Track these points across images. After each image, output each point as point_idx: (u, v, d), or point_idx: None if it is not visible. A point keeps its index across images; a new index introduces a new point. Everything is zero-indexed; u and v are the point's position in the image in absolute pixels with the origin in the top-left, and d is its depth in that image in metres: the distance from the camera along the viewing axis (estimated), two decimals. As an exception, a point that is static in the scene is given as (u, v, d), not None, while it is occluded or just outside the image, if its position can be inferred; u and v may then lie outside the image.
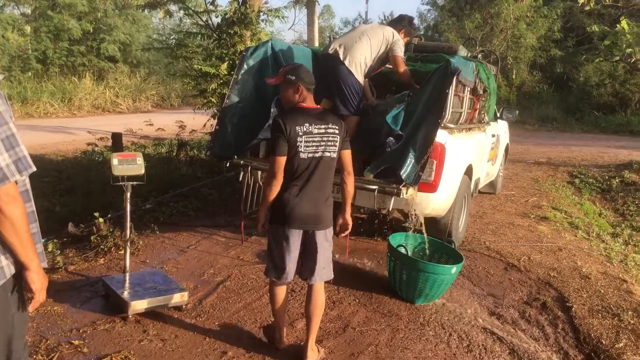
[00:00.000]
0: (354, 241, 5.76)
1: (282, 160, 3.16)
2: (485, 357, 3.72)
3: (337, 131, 3.27)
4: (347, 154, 3.40)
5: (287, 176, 3.22)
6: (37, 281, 2.04)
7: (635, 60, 20.07)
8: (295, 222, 3.25)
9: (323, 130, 3.21)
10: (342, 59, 5.20)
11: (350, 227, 3.56)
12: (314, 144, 3.18)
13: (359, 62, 5.22)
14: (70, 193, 7.34)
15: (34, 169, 1.97)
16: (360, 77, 5.26)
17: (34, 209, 2.13)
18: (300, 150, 3.15)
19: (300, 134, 3.14)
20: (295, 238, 3.29)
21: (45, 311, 3.91)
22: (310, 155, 3.19)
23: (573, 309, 4.57)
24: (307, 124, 3.17)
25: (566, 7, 24.66)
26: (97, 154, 9.93)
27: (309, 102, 3.30)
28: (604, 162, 12.11)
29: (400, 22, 5.69)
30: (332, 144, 3.25)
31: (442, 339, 3.89)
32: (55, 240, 5.30)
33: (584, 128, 20.71)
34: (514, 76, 25.69)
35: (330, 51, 5.29)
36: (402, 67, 5.38)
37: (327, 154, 3.24)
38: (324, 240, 3.36)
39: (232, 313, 4.05)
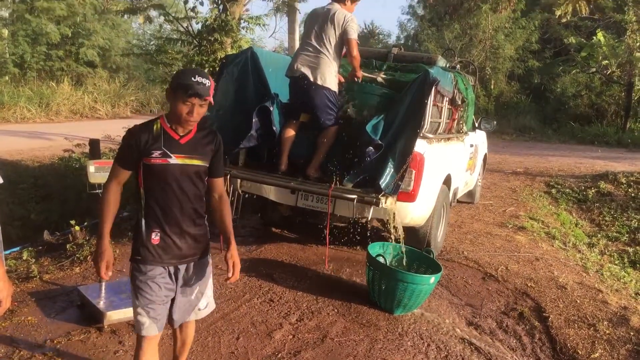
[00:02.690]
0: (333, 250, 5.74)
1: None
2: (463, 368, 3.73)
3: None
4: None
5: None
6: (4, 289, 2.05)
7: (610, 72, 20.54)
8: None
9: None
10: (312, 80, 5.11)
11: None
12: None
13: (329, 73, 5.14)
14: (47, 200, 7.25)
15: (1, 181, 1.95)
16: (334, 87, 5.22)
17: None
18: None
19: None
20: None
21: (19, 321, 3.84)
22: None
23: (550, 319, 4.61)
24: None
25: (544, 18, 25.04)
26: (74, 161, 9.78)
27: None
28: (580, 173, 12.24)
29: None
30: None
31: (421, 350, 3.89)
32: (30, 248, 5.23)
33: (560, 138, 20.93)
34: (492, 86, 25.98)
35: (297, 75, 5.18)
36: (356, 51, 5.19)
37: None
38: None
39: (209, 324, 4.00)
